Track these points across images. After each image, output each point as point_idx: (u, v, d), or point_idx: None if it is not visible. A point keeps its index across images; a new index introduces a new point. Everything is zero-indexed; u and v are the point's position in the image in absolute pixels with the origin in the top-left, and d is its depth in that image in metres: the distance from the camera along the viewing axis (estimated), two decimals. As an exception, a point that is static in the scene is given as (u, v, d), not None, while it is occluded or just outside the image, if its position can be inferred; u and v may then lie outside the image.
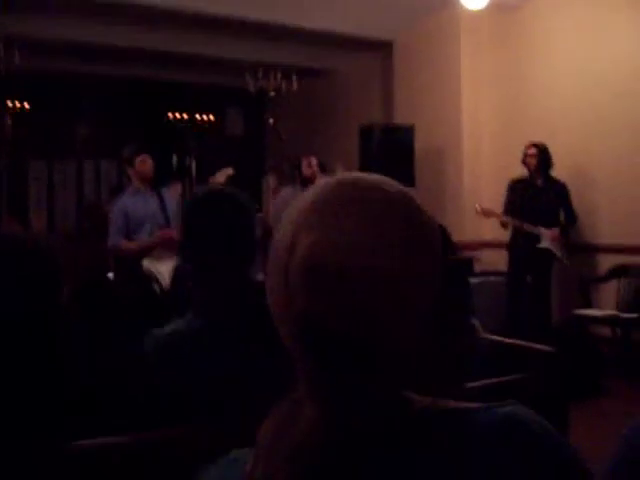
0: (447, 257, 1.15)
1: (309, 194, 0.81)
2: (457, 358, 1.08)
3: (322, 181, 0.83)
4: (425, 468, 0.77)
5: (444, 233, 1.18)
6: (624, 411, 4.98)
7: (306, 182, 6.99)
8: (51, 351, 1.64)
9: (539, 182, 6.81)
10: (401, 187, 0.83)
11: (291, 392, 0.82)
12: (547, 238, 6.70)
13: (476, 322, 1.14)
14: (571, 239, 6.87)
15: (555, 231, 6.71)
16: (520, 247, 6.79)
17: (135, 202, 5.71)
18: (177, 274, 5.48)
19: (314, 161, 7.24)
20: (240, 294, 1.80)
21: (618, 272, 6.75)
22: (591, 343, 6.26)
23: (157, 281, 5.42)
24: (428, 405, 0.82)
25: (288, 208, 0.82)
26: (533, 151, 6.78)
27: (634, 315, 6.42)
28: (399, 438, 0.78)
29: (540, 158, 6.74)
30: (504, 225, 6.88)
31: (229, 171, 6.16)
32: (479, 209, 6.91)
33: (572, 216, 6.85)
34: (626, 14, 6.81)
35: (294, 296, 0.76)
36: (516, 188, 6.89)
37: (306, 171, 7.21)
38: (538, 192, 6.77)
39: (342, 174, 0.83)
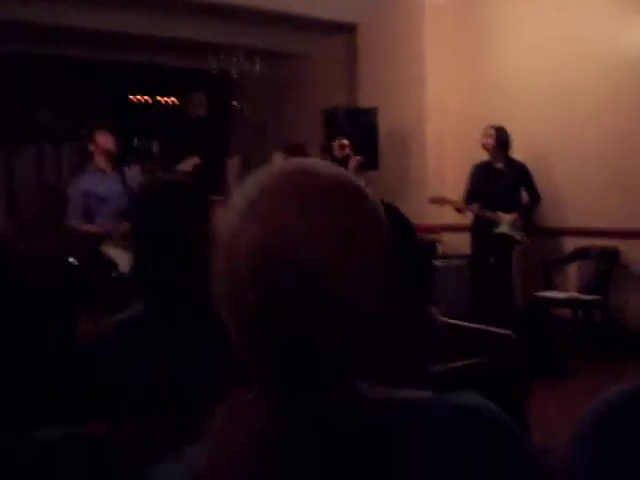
0: (405, 241, 1.13)
1: (253, 183, 0.78)
2: (414, 345, 1.06)
3: (266, 170, 0.80)
4: (379, 459, 0.76)
5: (403, 217, 1.17)
6: (585, 391, 5.04)
7: (338, 164, 6.83)
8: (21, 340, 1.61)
9: (498, 165, 6.85)
10: (347, 174, 0.81)
11: (240, 386, 0.80)
12: (505, 223, 6.74)
13: (433, 308, 1.12)
14: (534, 222, 6.93)
15: (514, 215, 6.75)
16: (482, 230, 6.84)
17: (96, 181, 5.58)
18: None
19: (346, 142, 7.08)
20: (186, 288, 1.77)
21: (579, 254, 6.83)
22: (553, 324, 6.34)
23: (116, 268, 5.35)
24: (381, 396, 0.80)
25: (233, 197, 0.79)
26: (490, 132, 6.83)
27: (594, 297, 6.51)
28: (352, 430, 0.77)
29: (498, 139, 6.78)
30: (459, 211, 6.92)
31: (196, 160, 6.05)
32: (430, 199, 6.97)
33: (534, 196, 6.90)
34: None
35: (242, 293, 0.74)
36: (477, 172, 6.93)
37: (339, 153, 7.04)
38: (497, 175, 6.81)
39: (287, 162, 0.81)
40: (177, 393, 1.63)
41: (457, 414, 0.78)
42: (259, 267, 0.73)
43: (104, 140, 5.58)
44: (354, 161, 6.74)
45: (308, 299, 0.72)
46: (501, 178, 6.79)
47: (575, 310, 6.61)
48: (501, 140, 6.79)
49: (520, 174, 6.85)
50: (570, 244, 7.00)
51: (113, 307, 1.95)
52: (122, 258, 5.45)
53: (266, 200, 0.75)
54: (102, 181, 5.60)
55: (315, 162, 0.80)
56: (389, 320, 0.86)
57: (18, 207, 10.49)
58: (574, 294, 6.64)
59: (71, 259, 5.73)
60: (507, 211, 6.74)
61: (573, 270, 6.87)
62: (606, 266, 6.61)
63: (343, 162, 6.72)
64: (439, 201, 6.98)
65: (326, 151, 7.15)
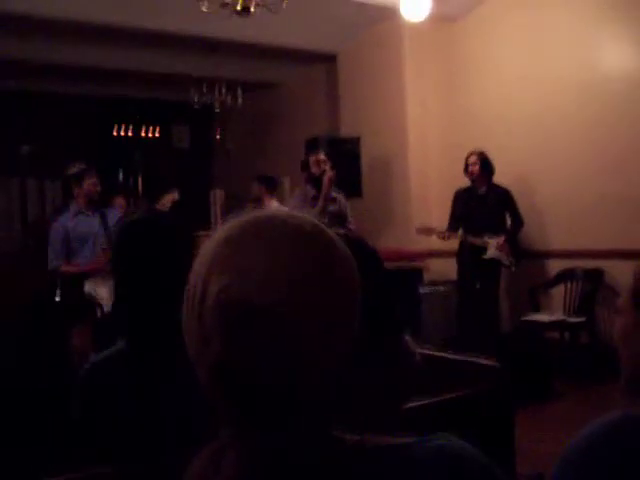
0: (370, 272, 1.14)
1: (218, 235, 0.79)
2: (391, 385, 1.07)
3: (232, 220, 0.81)
4: None
5: (367, 248, 1.17)
6: (573, 414, 5.05)
7: (316, 181, 6.62)
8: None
9: (482, 190, 6.89)
10: (312, 221, 0.81)
11: (215, 434, 0.80)
12: (493, 247, 6.76)
13: (409, 338, 1.12)
14: (519, 245, 6.96)
15: (500, 239, 6.77)
16: (468, 256, 6.85)
17: (76, 223, 5.62)
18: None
19: (322, 157, 6.78)
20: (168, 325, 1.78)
21: (565, 277, 6.86)
22: (540, 348, 6.34)
23: (99, 305, 5.34)
24: (356, 442, 0.80)
25: (200, 250, 0.80)
26: (474, 159, 6.85)
27: (581, 319, 6.53)
28: (325, 476, 0.76)
29: (481, 166, 6.82)
30: (444, 239, 6.91)
31: (174, 195, 6.07)
32: (417, 229, 6.97)
33: (518, 221, 6.93)
34: (566, 23, 6.94)
35: (209, 341, 0.74)
36: (459, 198, 6.96)
37: (315, 170, 6.70)
38: (481, 200, 6.84)
39: (251, 213, 0.81)
40: (163, 430, 1.63)
41: (439, 457, 0.78)
42: (225, 316, 0.73)
43: (92, 188, 5.62)
44: (327, 177, 6.57)
45: (273, 345, 0.72)
46: (484, 203, 6.82)
47: (562, 332, 6.63)
48: (485, 166, 6.82)
49: (503, 199, 6.88)
50: (555, 266, 7.03)
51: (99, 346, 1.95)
52: (104, 296, 5.44)
53: (232, 250, 0.76)
54: (83, 221, 5.63)
55: (281, 212, 0.82)
56: (357, 356, 0.86)
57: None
58: (560, 316, 6.66)
59: (57, 298, 5.72)
60: (492, 235, 6.77)
61: (559, 292, 6.89)
62: (591, 287, 6.64)
63: (320, 179, 6.60)
64: (426, 232, 6.96)
65: (304, 168, 6.89)
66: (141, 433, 1.66)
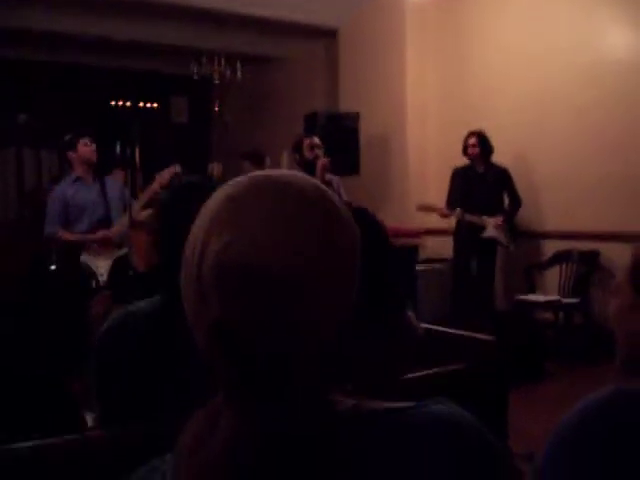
0: (377, 245, 1.13)
1: (220, 194, 0.78)
2: (392, 357, 1.07)
3: (233, 180, 0.79)
4: (351, 472, 0.75)
5: (374, 221, 1.16)
6: (566, 394, 5.08)
7: (308, 165, 6.36)
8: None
9: (480, 169, 6.88)
10: (316, 184, 0.79)
11: (209, 399, 0.79)
12: (491, 227, 6.77)
13: (412, 313, 1.12)
14: (516, 226, 6.96)
15: (498, 219, 6.78)
16: (465, 234, 6.86)
17: (75, 190, 5.52)
18: (116, 268, 5.40)
19: (317, 141, 6.53)
20: None
21: (561, 258, 6.87)
22: (534, 328, 6.37)
23: (94, 277, 5.32)
24: (352, 407, 0.79)
25: (201, 209, 0.79)
26: (473, 141, 6.83)
27: (575, 300, 6.55)
28: (321, 442, 0.76)
29: (481, 146, 6.80)
30: (445, 216, 6.91)
31: (176, 168, 5.99)
32: (418, 207, 6.95)
33: (516, 201, 6.93)
34: (571, 3, 6.90)
35: (207, 303, 0.73)
36: (458, 177, 6.95)
37: (308, 154, 6.47)
38: (479, 179, 6.84)
39: (254, 173, 0.80)
40: (186, 393, 1.62)
41: (435, 423, 0.78)
42: (225, 277, 0.72)
43: (85, 150, 5.51)
44: (320, 164, 6.43)
45: (270, 309, 0.71)
46: (483, 182, 6.82)
47: (556, 313, 6.65)
48: (484, 146, 6.81)
49: (502, 178, 6.88)
50: (551, 247, 7.04)
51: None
52: (101, 267, 5.42)
53: (233, 210, 0.75)
54: (82, 190, 5.54)
55: (285, 173, 0.80)
56: (359, 328, 0.86)
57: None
58: (555, 297, 6.68)
59: (52, 266, 5.70)
60: (490, 215, 6.77)
61: (554, 273, 6.90)
62: (586, 269, 6.65)
63: (312, 163, 6.43)
64: (426, 209, 6.95)
65: (296, 150, 6.64)
66: (163, 387, 1.66)
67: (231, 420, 0.76)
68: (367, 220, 1.12)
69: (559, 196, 6.95)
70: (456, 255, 7.05)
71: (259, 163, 6.81)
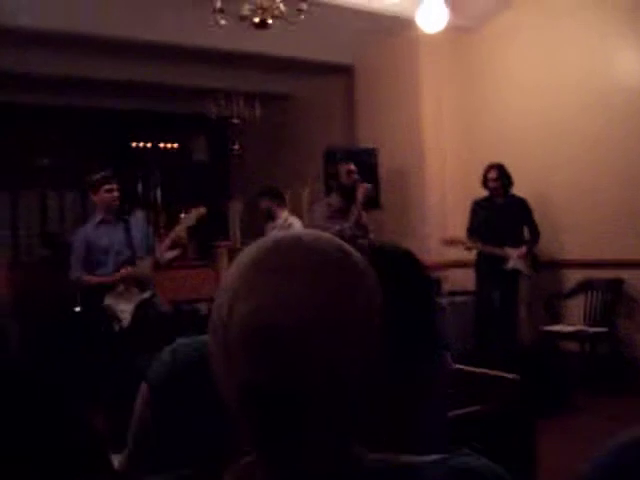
0: (429, 292, 1.13)
1: (245, 257, 0.80)
2: (433, 395, 1.07)
3: (257, 243, 0.81)
4: None
5: (413, 258, 1.16)
6: (593, 426, 5.01)
7: (346, 191, 6.50)
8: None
9: (500, 200, 6.87)
10: (340, 245, 0.81)
11: (243, 453, 0.81)
12: (514, 258, 6.74)
13: (448, 354, 1.12)
14: (537, 255, 6.93)
15: (522, 250, 6.75)
16: (486, 266, 6.83)
17: (99, 233, 5.51)
18: (140, 312, 5.39)
19: (353, 167, 6.65)
20: None
21: (584, 287, 6.82)
22: (560, 360, 6.30)
23: (118, 320, 5.31)
24: (378, 461, 0.80)
25: (226, 273, 0.81)
26: (493, 175, 6.83)
27: (601, 329, 6.49)
28: None
29: (501, 179, 6.81)
30: (469, 249, 6.90)
31: (201, 211, 5.92)
32: (443, 240, 6.95)
33: (535, 232, 6.91)
34: (581, 35, 6.94)
35: (234, 365, 0.75)
36: (478, 209, 6.95)
37: (346, 179, 6.57)
38: (499, 211, 6.83)
39: (277, 234, 0.82)
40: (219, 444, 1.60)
41: (458, 477, 0.78)
42: (253, 339, 0.74)
43: (105, 197, 5.48)
44: (362, 188, 6.47)
45: (301, 368, 0.73)
46: (503, 213, 6.81)
47: (582, 343, 6.59)
48: (504, 178, 6.81)
49: (521, 209, 6.87)
50: (573, 277, 6.99)
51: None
52: (124, 312, 5.40)
53: (259, 274, 0.77)
54: (105, 232, 5.52)
55: (308, 233, 0.82)
56: (388, 380, 0.87)
57: (21, 254, 10.52)
58: (580, 327, 6.61)
59: (77, 308, 5.73)
60: (511, 246, 6.75)
61: (578, 303, 6.85)
62: (611, 297, 6.60)
63: (351, 189, 6.51)
64: (451, 242, 6.94)
65: (333, 177, 6.76)
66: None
67: (263, 475, 0.77)
68: (411, 264, 1.11)
69: (578, 225, 6.93)
70: (478, 287, 7.01)
71: (278, 199, 6.84)
